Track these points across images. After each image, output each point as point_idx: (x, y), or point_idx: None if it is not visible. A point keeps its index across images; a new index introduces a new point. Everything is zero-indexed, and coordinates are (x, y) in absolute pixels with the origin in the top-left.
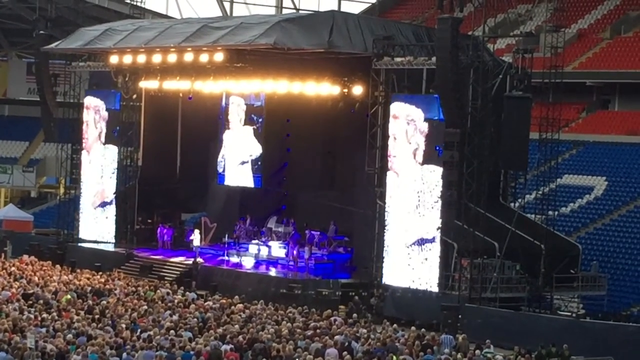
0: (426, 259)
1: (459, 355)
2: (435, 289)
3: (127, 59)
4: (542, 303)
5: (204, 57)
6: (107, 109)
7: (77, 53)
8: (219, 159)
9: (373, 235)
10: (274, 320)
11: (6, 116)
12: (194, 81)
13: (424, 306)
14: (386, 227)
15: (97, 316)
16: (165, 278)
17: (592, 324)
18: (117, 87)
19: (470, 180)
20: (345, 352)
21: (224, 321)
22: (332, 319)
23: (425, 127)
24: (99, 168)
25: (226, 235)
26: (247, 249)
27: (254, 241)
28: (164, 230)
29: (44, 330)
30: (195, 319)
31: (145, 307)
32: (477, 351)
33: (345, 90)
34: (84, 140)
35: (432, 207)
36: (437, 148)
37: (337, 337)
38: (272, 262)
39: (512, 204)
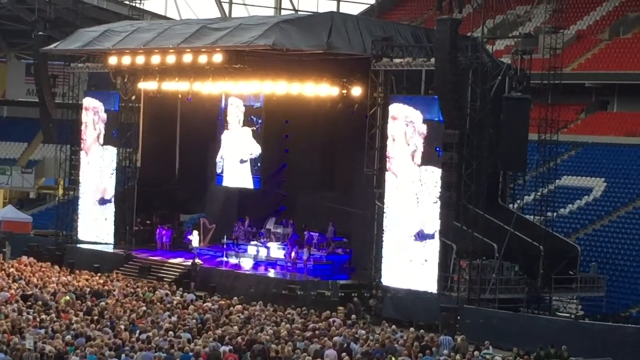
0: (425, 260)
1: (457, 357)
2: (434, 290)
3: (126, 60)
4: (541, 304)
5: (202, 58)
6: (105, 110)
7: (76, 54)
8: (218, 160)
9: (372, 236)
10: (272, 322)
11: (5, 117)
12: (193, 82)
13: (423, 307)
14: (385, 228)
15: (95, 317)
16: (164, 279)
17: (591, 325)
18: (116, 88)
19: (469, 182)
20: (344, 353)
21: (222, 322)
22: (331, 320)
23: (424, 128)
24: (98, 169)
25: (225, 237)
26: (245, 250)
27: (252, 242)
28: (163, 231)
29: (42, 331)
30: (194, 320)
31: (144, 308)
32: (476, 352)
33: (344, 91)
34: (82, 142)
35: (431, 209)
36: (438, 149)
37: (335, 338)
38: (270, 263)
39: (511, 205)
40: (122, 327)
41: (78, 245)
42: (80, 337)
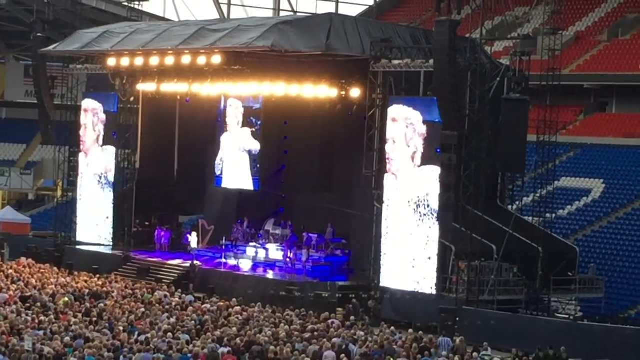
0: (424, 262)
1: (456, 358)
2: (433, 291)
3: (125, 62)
4: (540, 305)
5: (201, 60)
6: (105, 112)
7: (75, 55)
8: (217, 161)
9: (370, 238)
10: (271, 323)
11: (4, 119)
12: (192, 84)
13: (422, 309)
14: (383, 230)
15: (94, 319)
16: (163, 280)
17: (590, 327)
18: (115, 89)
19: (468, 183)
20: (342, 355)
21: (221, 324)
22: (329, 321)
23: (424, 129)
24: (97, 170)
25: (224, 238)
26: (244, 252)
27: (251, 244)
28: (162, 232)
29: (41, 332)
30: (193, 322)
31: (143, 309)
32: (475, 354)
33: (343, 92)
34: (81, 143)
35: (430, 210)
36: (438, 150)
37: (334, 339)
38: (269, 264)
39: (509, 207)
40: (121, 328)
41: (77, 247)
42: (79, 339)
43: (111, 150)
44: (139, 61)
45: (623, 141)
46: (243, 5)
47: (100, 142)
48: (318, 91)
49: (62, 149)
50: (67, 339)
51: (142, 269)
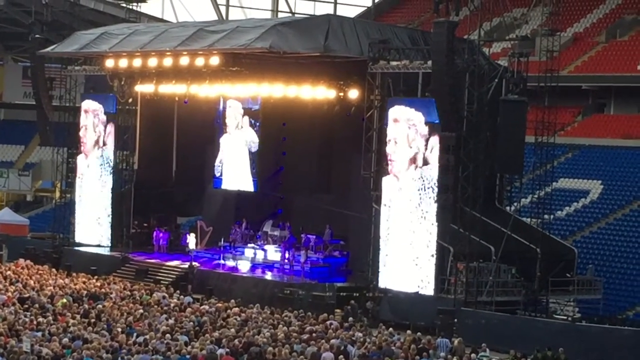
0: (422, 263)
1: (454, 359)
2: (431, 292)
3: (123, 63)
4: (538, 307)
5: (199, 61)
6: (105, 113)
7: (73, 57)
8: (217, 163)
9: (369, 239)
10: (270, 324)
11: (2, 120)
12: (190, 85)
13: (420, 310)
14: (382, 231)
15: (92, 320)
16: (161, 282)
17: (588, 328)
18: (113, 90)
19: (466, 184)
20: (341, 356)
21: (219, 325)
22: (328, 322)
23: (426, 130)
24: (98, 171)
25: (222, 239)
26: (243, 253)
27: (249, 245)
28: (160, 234)
29: (39, 334)
30: (191, 323)
31: (141, 311)
32: (473, 355)
33: (341, 93)
34: (82, 144)
35: (429, 211)
36: None
37: (333, 341)
38: (268, 265)
39: (507, 208)
40: (119, 329)
41: (75, 248)
42: (77, 340)
43: (110, 151)
44: (137, 62)
45: (621, 142)
46: (241, 7)
47: (101, 143)
48: (316, 92)
49: (61, 150)
50: (65, 340)
51: (140, 270)
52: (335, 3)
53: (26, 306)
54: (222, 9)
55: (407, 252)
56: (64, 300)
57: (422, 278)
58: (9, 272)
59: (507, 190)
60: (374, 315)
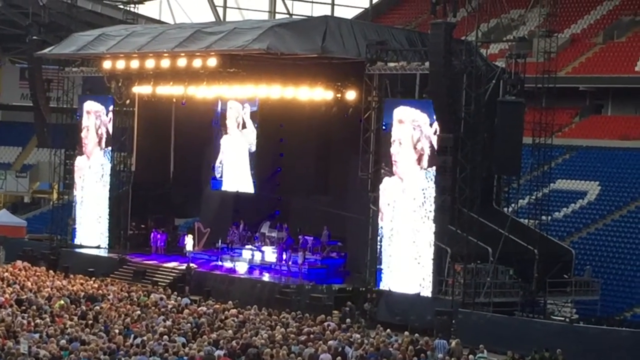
0: (420, 264)
1: None
2: (428, 294)
3: (120, 64)
4: (536, 308)
5: (197, 63)
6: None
7: (71, 58)
8: (217, 164)
9: (366, 240)
10: (267, 326)
11: None
12: (187, 86)
13: (418, 311)
14: (385, 232)
15: (90, 321)
16: (159, 283)
17: (586, 329)
18: (111, 92)
19: (464, 185)
20: (338, 357)
21: (217, 326)
22: (325, 324)
23: (431, 131)
24: (100, 172)
25: (220, 241)
26: (240, 254)
27: (247, 246)
28: (158, 235)
29: (37, 335)
30: (189, 324)
31: (139, 312)
32: (471, 356)
33: (339, 95)
34: (83, 145)
35: (428, 212)
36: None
37: (330, 342)
38: (265, 267)
39: (505, 209)
40: (117, 331)
41: (73, 250)
42: (75, 342)
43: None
44: (134, 64)
45: (618, 143)
46: (239, 8)
47: (103, 144)
48: (314, 94)
49: (58, 152)
50: (62, 341)
51: (137, 271)
52: (333, 4)
53: (23, 308)
54: (220, 11)
55: (410, 252)
56: (62, 301)
57: (424, 277)
58: (6, 274)
59: (504, 192)
60: (372, 316)
